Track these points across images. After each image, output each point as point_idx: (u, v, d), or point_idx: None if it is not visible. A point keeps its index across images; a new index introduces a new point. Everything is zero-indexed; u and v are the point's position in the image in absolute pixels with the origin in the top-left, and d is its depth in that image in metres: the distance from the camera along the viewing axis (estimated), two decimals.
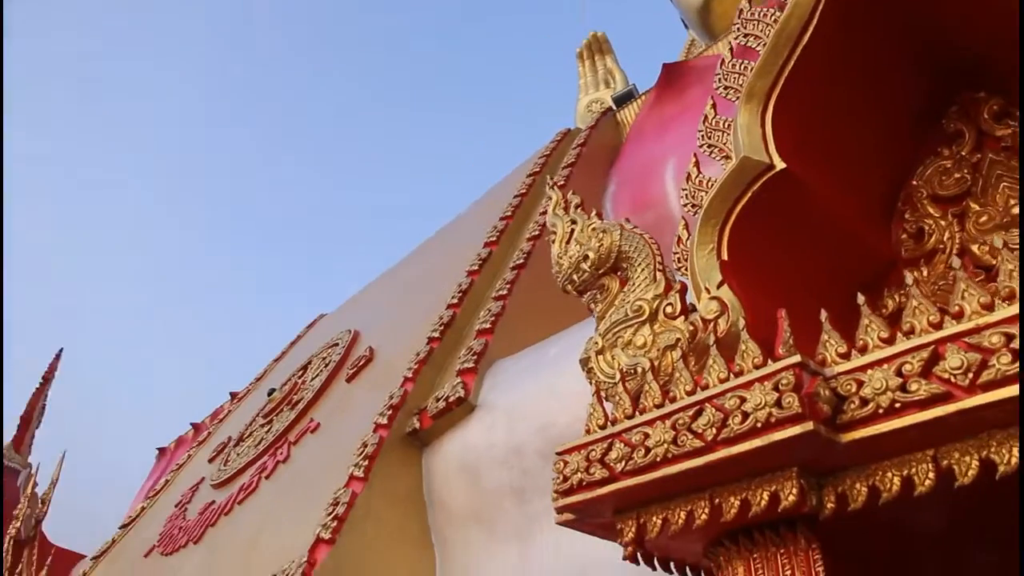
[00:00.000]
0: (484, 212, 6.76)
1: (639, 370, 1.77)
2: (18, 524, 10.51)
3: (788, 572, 1.52)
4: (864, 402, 1.34)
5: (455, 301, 4.75)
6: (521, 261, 4.94)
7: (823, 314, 1.51)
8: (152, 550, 6.37)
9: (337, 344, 6.48)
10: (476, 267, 5.12)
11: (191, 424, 12.65)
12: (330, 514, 3.31)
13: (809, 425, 1.30)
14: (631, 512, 1.63)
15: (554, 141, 7.09)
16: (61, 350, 15.51)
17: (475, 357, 3.92)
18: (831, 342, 1.46)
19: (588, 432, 1.71)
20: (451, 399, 3.64)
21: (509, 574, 3.16)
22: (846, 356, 1.43)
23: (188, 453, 9.04)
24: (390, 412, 3.83)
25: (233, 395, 11.35)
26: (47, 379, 15.10)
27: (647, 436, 1.54)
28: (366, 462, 3.54)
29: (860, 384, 1.36)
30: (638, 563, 1.79)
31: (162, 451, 13.08)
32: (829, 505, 1.43)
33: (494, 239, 5.47)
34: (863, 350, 1.41)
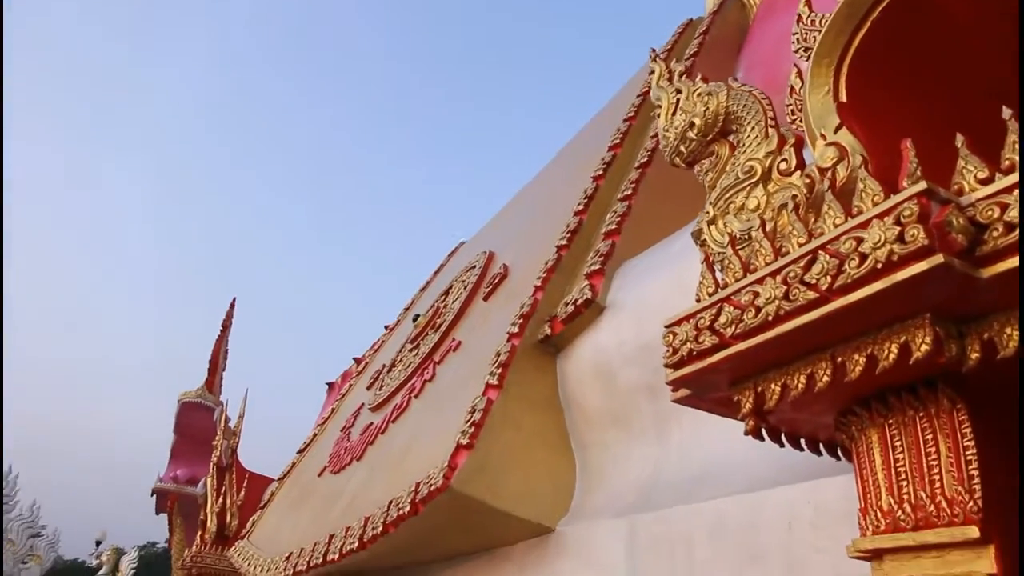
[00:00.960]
0: (609, 118, 6.53)
1: (751, 234, 1.62)
2: (217, 453, 11.72)
3: (929, 438, 1.35)
4: (1010, 228, 1.13)
5: (581, 208, 4.64)
6: (645, 160, 4.73)
7: (959, 139, 1.29)
8: (324, 470, 6.88)
9: (474, 266, 6.58)
10: (600, 172, 4.96)
11: (354, 359, 13.44)
12: (468, 421, 3.39)
13: (939, 259, 1.12)
14: (747, 381, 1.51)
15: (676, 33, 6.67)
16: (235, 299, 16.89)
17: (602, 259, 3.83)
18: (969, 167, 1.25)
19: (698, 301, 1.60)
20: (579, 302, 3.58)
21: (648, 472, 3.11)
22: (988, 181, 1.22)
23: (350, 383, 9.63)
24: (521, 321, 3.83)
25: (387, 327, 11.90)
26: (226, 326, 16.54)
27: (756, 295, 1.40)
28: (500, 370, 3.58)
29: (1005, 208, 1.15)
30: (762, 438, 1.68)
31: (331, 385, 14.03)
32: (973, 355, 1.24)
33: (617, 142, 5.27)
34: (1009, 170, 1.19)
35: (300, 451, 9.14)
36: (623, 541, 2.86)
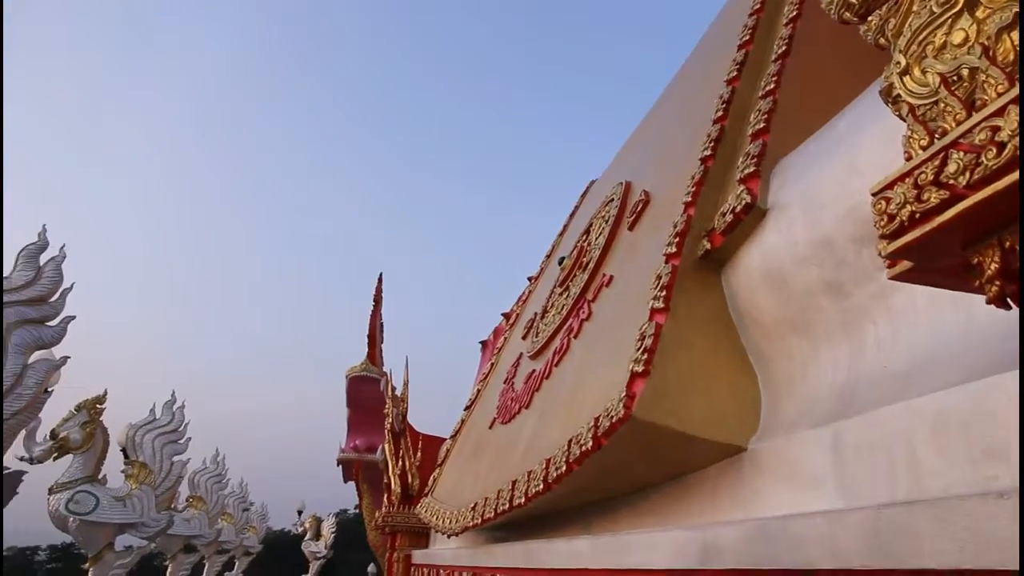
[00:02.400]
0: (727, 23, 6.09)
1: (965, 71, 1.38)
2: (390, 420, 12.33)
3: None
4: None
5: (720, 114, 4.34)
6: (783, 49, 4.34)
7: None
8: (494, 422, 7.01)
9: (612, 199, 6.39)
10: (735, 73, 4.62)
11: (502, 314, 13.66)
12: (639, 349, 3.26)
13: None
14: (989, 237, 1.29)
15: None
16: (381, 274, 17.53)
17: (755, 161, 3.55)
18: None
19: (909, 158, 1.38)
20: (738, 209, 3.34)
21: (842, 376, 2.88)
22: None
23: (504, 337, 9.74)
24: (677, 240, 3.64)
25: (530, 279, 11.96)
26: (377, 300, 17.23)
27: (997, 129, 1.17)
28: (663, 292, 3.42)
29: None
30: (1008, 307, 1.44)
31: (484, 343, 14.34)
32: None
33: (747, 38, 4.88)
34: None
35: (467, 408, 9.39)
36: (827, 451, 2.66)
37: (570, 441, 3.67)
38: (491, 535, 6.38)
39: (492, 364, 9.42)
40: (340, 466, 16.30)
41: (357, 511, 33.95)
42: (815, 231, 2.90)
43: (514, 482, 4.73)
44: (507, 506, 4.74)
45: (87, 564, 4.65)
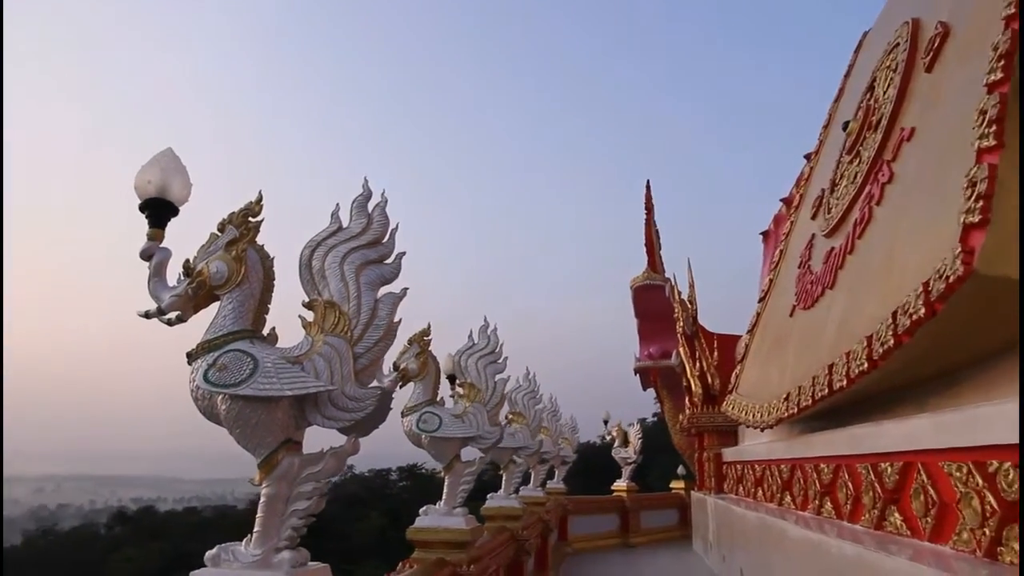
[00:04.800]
0: None
1: None
2: (681, 324, 12.32)
3: None
4: None
5: None
6: None
7: None
8: (794, 309, 6.66)
9: (897, 44, 5.60)
10: None
11: (781, 200, 12.86)
12: (971, 197, 2.83)
13: None
14: None
15: None
16: (648, 181, 17.32)
17: None
18: None
19: None
20: None
21: None
22: None
23: (790, 221, 9.15)
24: (1001, 64, 3.07)
25: (807, 156, 11.09)
26: (649, 208, 17.10)
27: None
28: (992, 128, 2.91)
29: None
30: None
31: (765, 234, 13.63)
32: None
33: None
34: None
35: (760, 300, 9.04)
36: None
37: (895, 313, 3.35)
38: (805, 426, 6.13)
39: (780, 251, 8.91)
40: (637, 375, 16.71)
41: (654, 418, 34.81)
42: None
43: (830, 366, 4.46)
44: (825, 391, 4.49)
45: (443, 472, 5.33)
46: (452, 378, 5.85)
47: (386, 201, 3.29)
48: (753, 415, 7.00)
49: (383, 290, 3.22)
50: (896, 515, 3.79)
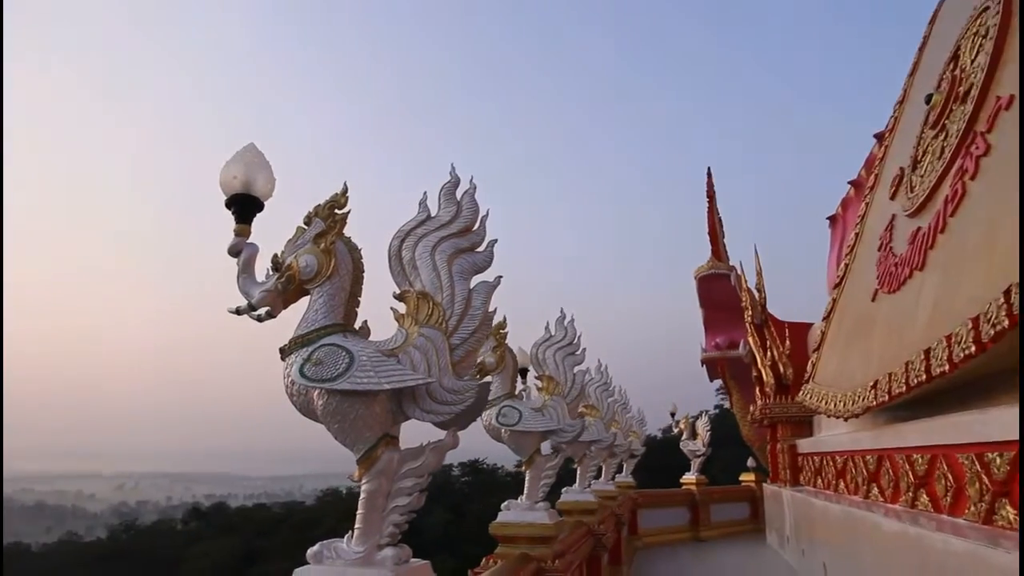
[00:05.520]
0: None
1: None
2: (749, 313, 12.01)
3: None
4: None
5: None
6: None
7: None
8: (876, 293, 6.39)
9: (987, 7, 5.30)
10: None
11: (849, 183, 12.44)
12: None
13: None
14: None
15: None
16: (709, 168, 16.95)
17: None
18: None
19: None
20: None
21: None
22: None
23: (864, 202, 8.80)
24: None
25: (878, 135, 10.69)
26: (711, 196, 16.74)
27: None
28: None
29: None
30: None
31: (832, 218, 13.20)
32: None
33: None
34: None
35: (836, 286, 8.72)
36: None
37: (1007, 291, 3.13)
38: (891, 415, 5.86)
39: (856, 235, 8.57)
40: (704, 366, 16.40)
41: (717, 411, 34.17)
42: None
43: (927, 351, 4.22)
44: (923, 377, 4.26)
45: (523, 467, 5.27)
46: (524, 372, 5.77)
47: (475, 188, 3.21)
48: (835, 404, 6.74)
49: (476, 279, 3.15)
50: (1008, 509, 3.56)
